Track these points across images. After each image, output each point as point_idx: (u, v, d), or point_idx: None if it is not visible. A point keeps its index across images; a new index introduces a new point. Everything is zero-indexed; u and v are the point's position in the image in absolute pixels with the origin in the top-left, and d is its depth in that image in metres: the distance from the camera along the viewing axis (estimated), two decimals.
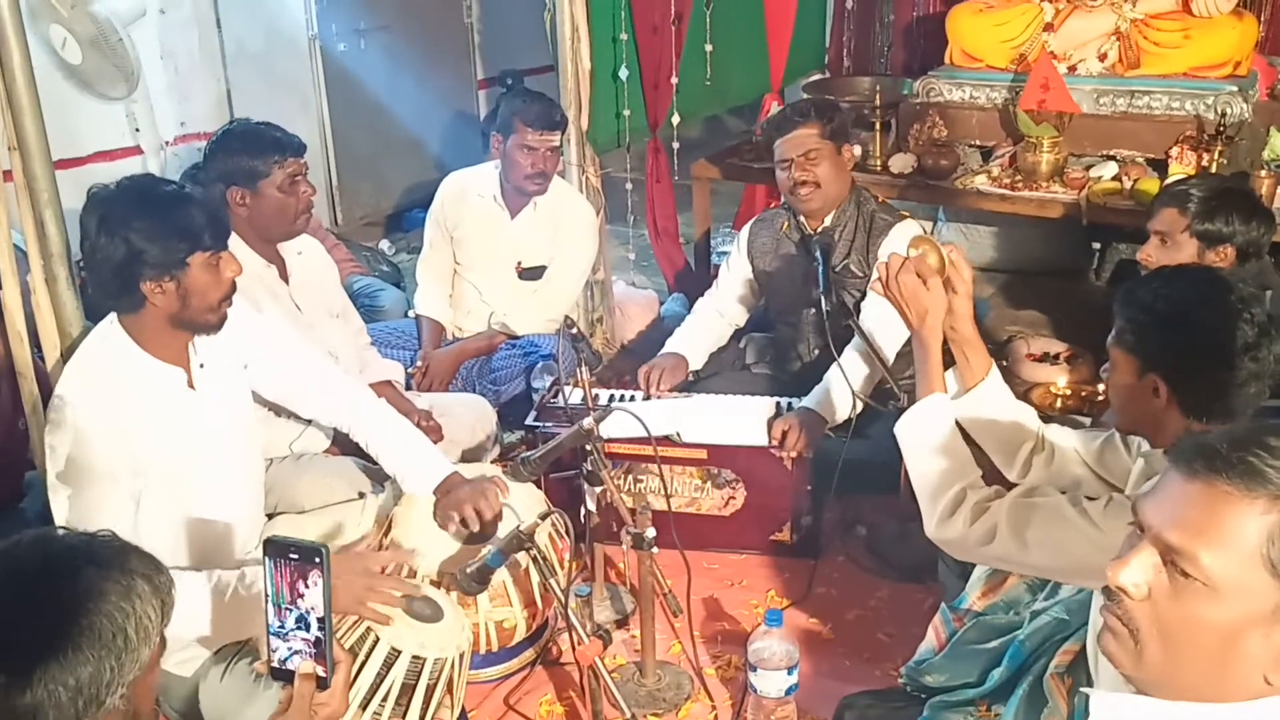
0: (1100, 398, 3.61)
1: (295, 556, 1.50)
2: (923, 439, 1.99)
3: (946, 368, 2.13)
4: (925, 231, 4.91)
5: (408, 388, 3.41)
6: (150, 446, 2.13)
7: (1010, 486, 2.19)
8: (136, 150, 5.11)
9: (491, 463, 3.36)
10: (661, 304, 4.43)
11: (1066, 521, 1.81)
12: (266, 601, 1.52)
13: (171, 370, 2.20)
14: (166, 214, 2.07)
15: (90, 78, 4.57)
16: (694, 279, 4.40)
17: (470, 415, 3.30)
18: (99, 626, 1.21)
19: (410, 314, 3.88)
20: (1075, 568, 1.86)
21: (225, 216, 2.22)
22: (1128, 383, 1.84)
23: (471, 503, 2.36)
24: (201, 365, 2.26)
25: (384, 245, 5.53)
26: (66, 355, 2.48)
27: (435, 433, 3.07)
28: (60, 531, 1.36)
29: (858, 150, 3.15)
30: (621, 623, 2.69)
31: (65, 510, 2.06)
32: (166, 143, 5.21)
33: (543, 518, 2.17)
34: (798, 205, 3.07)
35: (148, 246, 2.04)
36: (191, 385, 2.24)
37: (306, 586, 1.50)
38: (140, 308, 2.11)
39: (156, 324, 2.15)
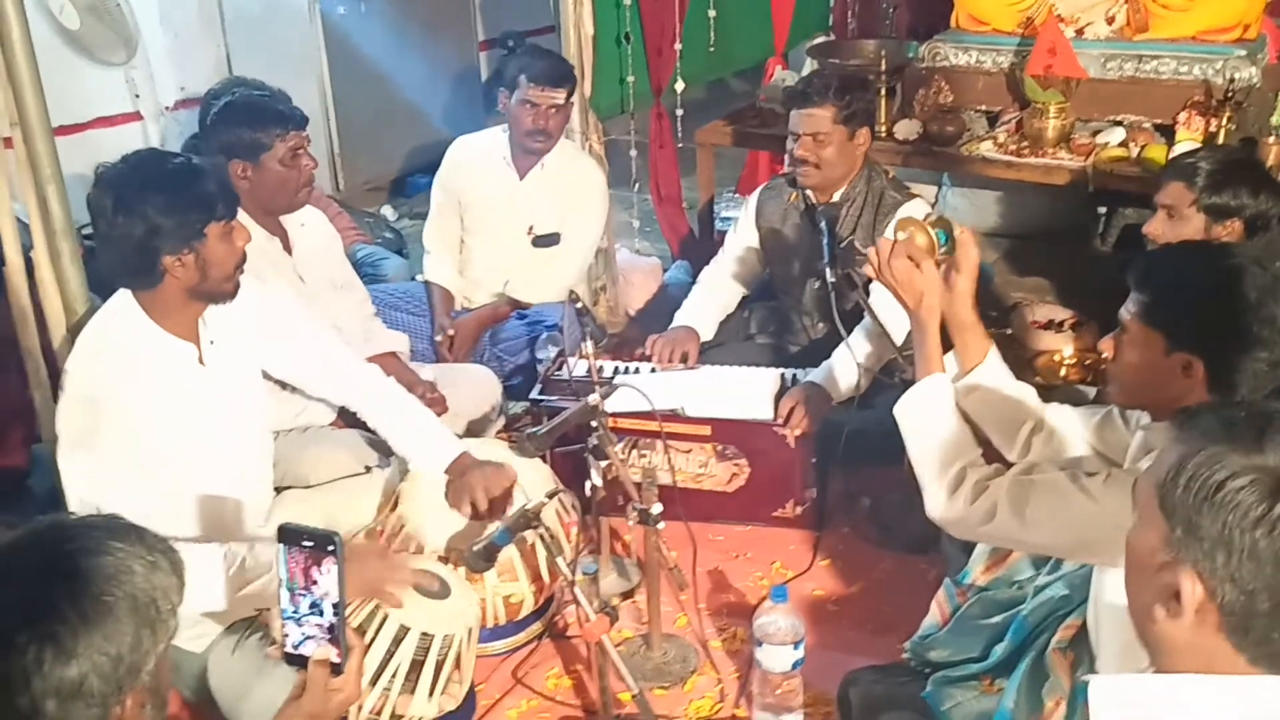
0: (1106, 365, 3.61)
1: (309, 544, 1.51)
2: (922, 419, 2.00)
3: (946, 350, 2.13)
4: (933, 207, 4.90)
5: (429, 357, 3.42)
6: (160, 421, 2.14)
7: (1010, 467, 2.21)
8: (136, 116, 5.09)
9: (496, 434, 3.38)
10: (665, 271, 4.41)
11: (1065, 497, 1.82)
12: (280, 587, 1.54)
13: (183, 345, 2.21)
14: (181, 187, 2.08)
15: (88, 43, 4.54)
16: (698, 245, 4.39)
17: (475, 386, 3.30)
18: (135, 597, 1.22)
19: (418, 278, 3.87)
20: (1075, 544, 1.88)
21: (231, 186, 2.22)
22: (1148, 359, 1.80)
23: (482, 488, 2.38)
24: (212, 342, 2.27)
25: (386, 211, 5.51)
26: (72, 331, 2.50)
27: (439, 404, 3.07)
28: (72, 516, 1.37)
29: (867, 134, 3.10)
30: (627, 595, 2.71)
31: (77, 482, 2.07)
32: (166, 108, 5.18)
33: (550, 496, 2.18)
34: (798, 178, 3.06)
35: (165, 221, 2.05)
36: (202, 361, 2.25)
37: (320, 573, 1.52)
38: (158, 282, 2.12)
39: (173, 297, 2.16)
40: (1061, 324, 3.87)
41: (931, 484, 1.94)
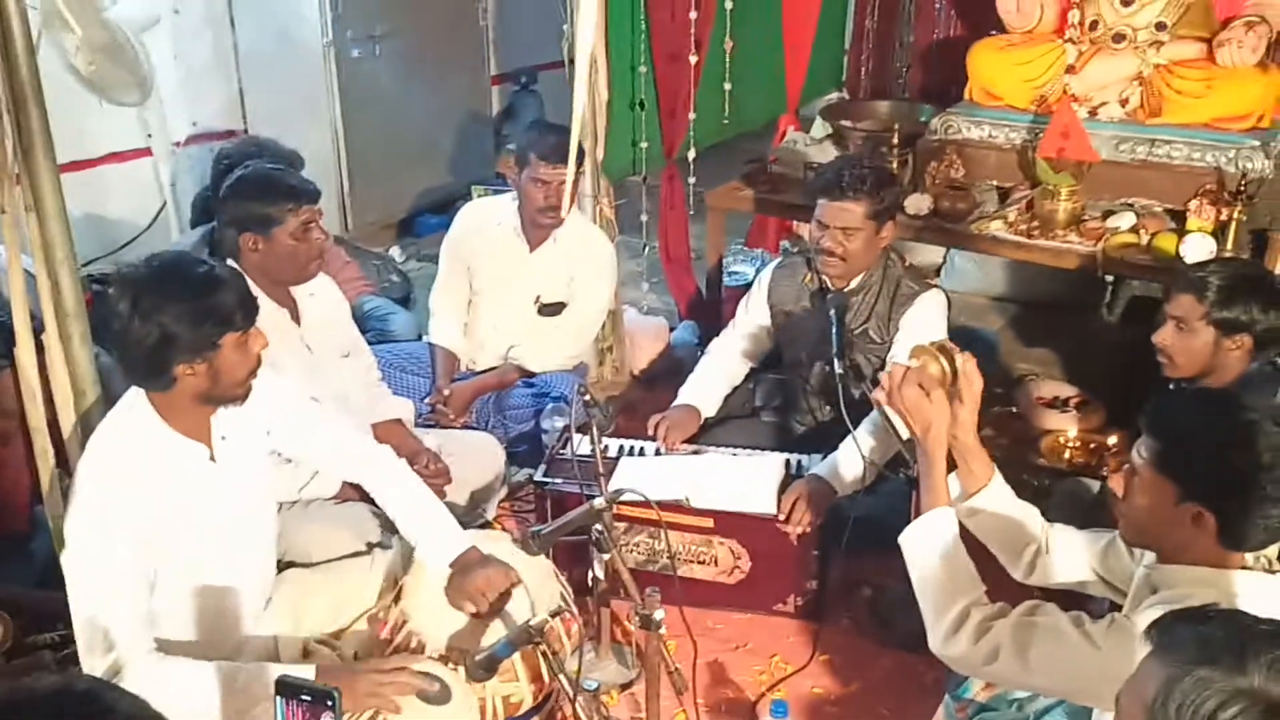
0: (1111, 450, 3.61)
1: (307, 698, 1.51)
2: (927, 553, 2.00)
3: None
4: (939, 272, 4.90)
5: (419, 424, 3.41)
6: (170, 523, 2.15)
7: (1017, 589, 2.21)
8: (147, 152, 5.10)
9: (499, 503, 3.38)
10: (671, 330, 4.41)
11: (1068, 643, 1.83)
12: None
13: (194, 446, 2.21)
14: (200, 298, 2.06)
15: (103, 85, 4.53)
16: (705, 306, 4.39)
17: (479, 455, 3.31)
18: None
19: (425, 339, 3.87)
20: (1078, 689, 1.88)
21: (252, 295, 2.20)
22: (1159, 506, 1.81)
23: (482, 590, 2.39)
24: (224, 437, 2.27)
25: (394, 252, 5.51)
26: (81, 416, 2.50)
27: (444, 475, 3.08)
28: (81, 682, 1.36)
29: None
30: (626, 686, 2.71)
31: (84, 597, 2.06)
32: (177, 143, 5.19)
33: (554, 615, 2.18)
34: (819, 266, 3.06)
35: (181, 332, 2.04)
36: (213, 458, 2.25)
37: None
38: (170, 387, 2.12)
39: (184, 401, 2.16)
40: (1067, 402, 3.88)
41: (935, 621, 1.94)
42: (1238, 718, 1.14)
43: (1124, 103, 3.81)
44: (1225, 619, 1.27)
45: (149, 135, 5.00)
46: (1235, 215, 3.39)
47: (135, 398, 2.18)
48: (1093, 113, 3.82)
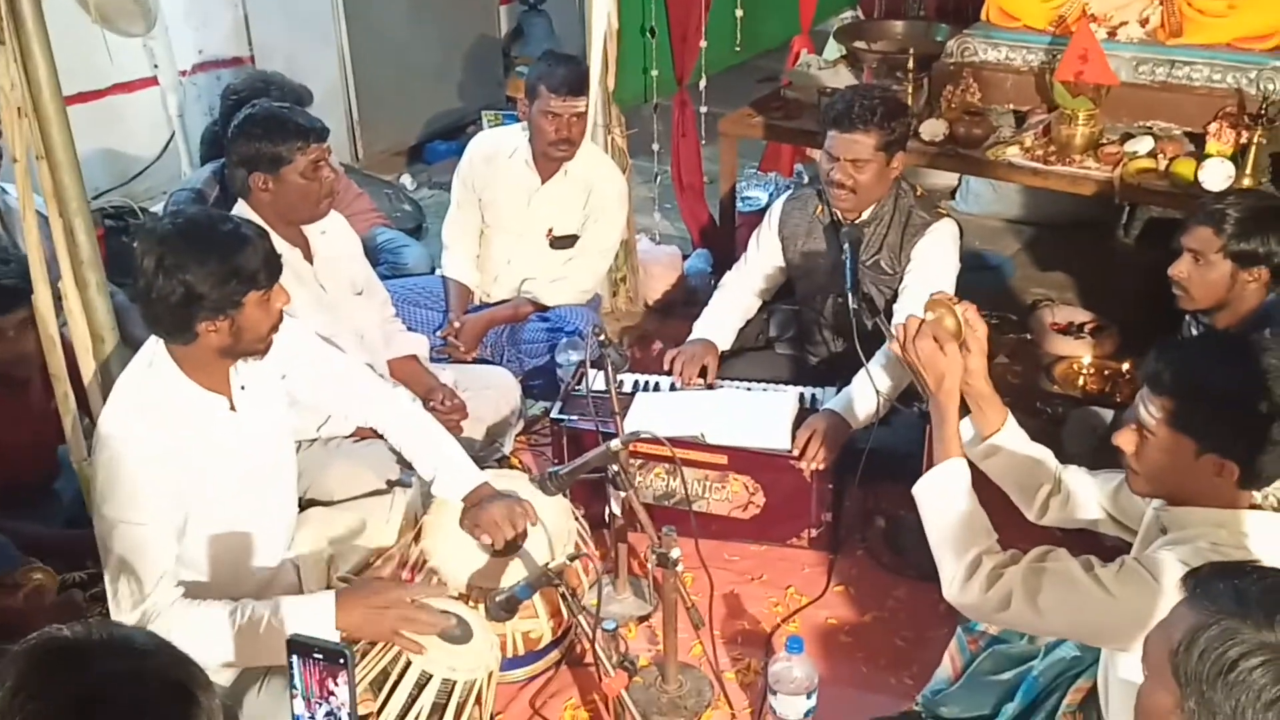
0: (1125, 376, 3.61)
1: (320, 657, 1.54)
2: (940, 503, 2.02)
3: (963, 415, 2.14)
4: (954, 194, 4.86)
5: (433, 358, 3.43)
6: (194, 474, 2.17)
7: (1032, 531, 2.24)
8: (154, 81, 5.06)
9: (516, 437, 3.41)
10: (685, 258, 4.40)
11: (1078, 588, 1.85)
12: (296, 695, 1.57)
13: (215, 398, 2.22)
14: (225, 258, 2.05)
15: (109, 15, 4.47)
16: (719, 233, 4.37)
17: (494, 391, 3.33)
18: None
19: (437, 273, 3.87)
20: (1091, 632, 1.91)
21: (277, 254, 2.18)
22: (1178, 461, 1.81)
23: (499, 522, 2.42)
24: (243, 387, 2.28)
25: (405, 180, 5.48)
26: (100, 362, 2.53)
27: (460, 411, 3.11)
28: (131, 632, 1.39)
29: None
30: (644, 618, 2.76)
31: (113, 543, 2.10)
32: (183, 73, 5.15)
33: (572, 559, 2.21)
34: (830, 198, 3.04)
35: (206, 290, 2.04)
36: (233, 408, 2.27)
37: (335, 685, 1.55)
38: (192, 341, 2.12)
39: (205, 355, 2.16)
40: (1081, 327, 3.87)
41: (948, 568, 1.97)
42: (1258, 670, 1.16)
43: (1144, 23, 3.74)
44: (1263, 575, 1.27)
45: (155, 65, 4.95)
46: (1255, 139, 3.35)
47: (155, 350, 2.18)
48: (1112, 33, 3.75)
